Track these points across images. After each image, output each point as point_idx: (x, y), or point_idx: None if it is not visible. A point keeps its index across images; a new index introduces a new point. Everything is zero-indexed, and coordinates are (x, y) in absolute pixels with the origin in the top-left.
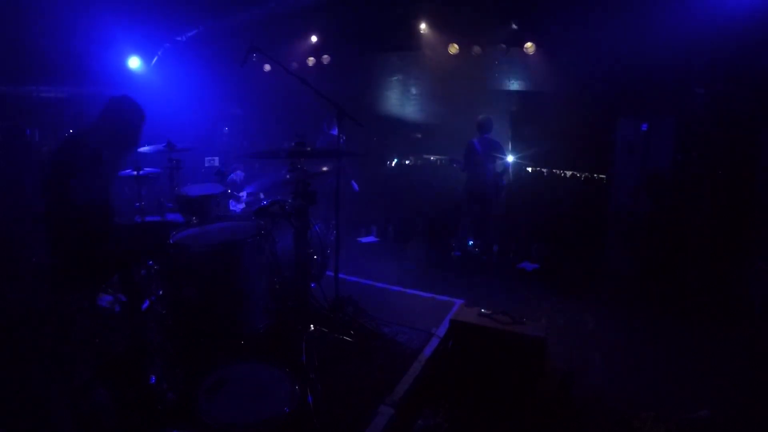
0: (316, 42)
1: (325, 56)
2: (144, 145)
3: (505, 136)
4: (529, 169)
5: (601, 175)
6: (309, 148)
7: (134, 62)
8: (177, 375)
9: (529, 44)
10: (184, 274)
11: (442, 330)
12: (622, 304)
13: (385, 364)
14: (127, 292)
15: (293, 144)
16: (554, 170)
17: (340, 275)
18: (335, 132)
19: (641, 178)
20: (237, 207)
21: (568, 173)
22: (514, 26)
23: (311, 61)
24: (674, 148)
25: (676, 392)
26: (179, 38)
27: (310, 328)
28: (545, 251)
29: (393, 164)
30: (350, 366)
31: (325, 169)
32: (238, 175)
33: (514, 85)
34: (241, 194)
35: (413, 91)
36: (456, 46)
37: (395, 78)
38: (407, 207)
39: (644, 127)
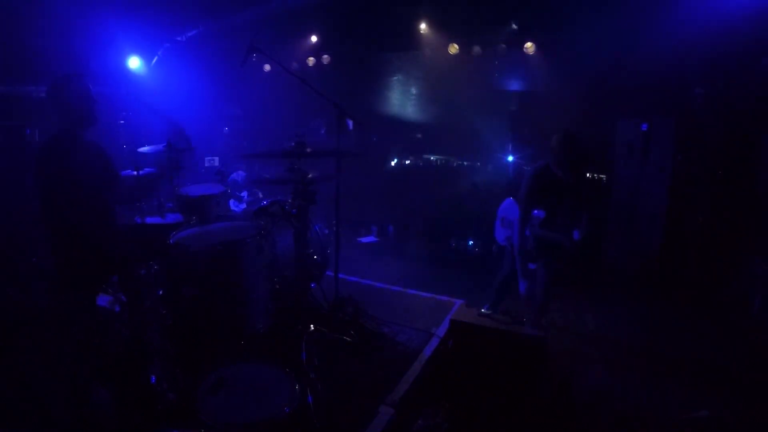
0: (316, 42)
1: (325, 56)
2: (144, 145)
3: (505, 136)
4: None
5: (601, 175)
6: (309, 149)
7: (134, 62)
8: (177, 375)
9: (529, 44)
10: (184, 274)
11: (442, 330)
12: (622, 304)
13: (385, 364)
14: (127, 292)
15: (293, 144)
16: None
17: (340, 275)
18: (323, 131)
19: (641, 179)
20: (239, 207)
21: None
22: (514, 26)
23: (311, 61)
24: (674, 148)
25: (676, 392)
26: (179, 38)
27: (310, 328)
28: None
29: (393, 164)
30: (350, 366)
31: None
32: (239, 174)
33: (514, 85)
34: (242, 194)
35: (413, 91)
36: (456, 46)
37: (395, 78)
38: (407, 207)
39: (644, 127)
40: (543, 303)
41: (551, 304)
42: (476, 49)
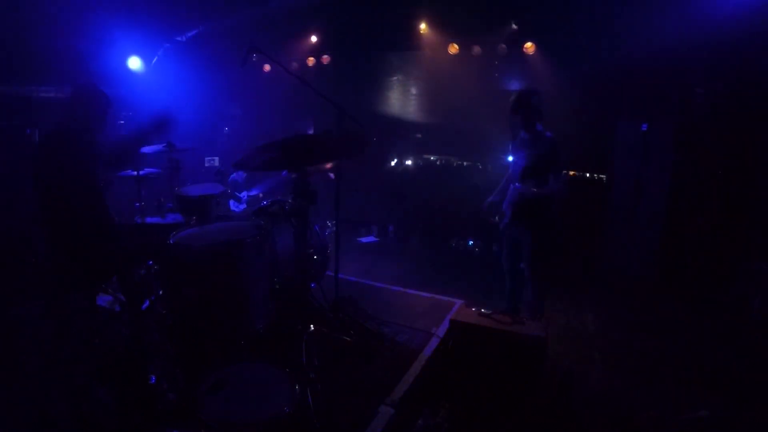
0: (316, 42)
1: (325, 56)
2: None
3: (505, 136)
4: None
5: (601, 176)
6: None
7: (134, 62)
8: (177, 375)
9: (529, 44)
10: (184, 274)
11: (442, 330)
12: (622, 304)
13: (385, 363)
14: (127, 292)
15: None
16: None
17: (340, 275)
18: (310, 132)
19: (641, 179)
20: (238, 207)
21: (569, 173)
22: (514, 26)
23: (311, 61)
24: (674, 148)
25: (676, 392)
26: (179, 38)
27: (310, 328)
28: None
29: (393, 164)
30: (350, 366)
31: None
32: (239, 175)
33: (514, 85)
34: (241, 194)
35: (413, 91)
36: (456, 46)
37: (395, 78)
38: (407, 207)
39: (644, 127)
40: (534, 302)
41: (551, 305)
42: (476, 49)
